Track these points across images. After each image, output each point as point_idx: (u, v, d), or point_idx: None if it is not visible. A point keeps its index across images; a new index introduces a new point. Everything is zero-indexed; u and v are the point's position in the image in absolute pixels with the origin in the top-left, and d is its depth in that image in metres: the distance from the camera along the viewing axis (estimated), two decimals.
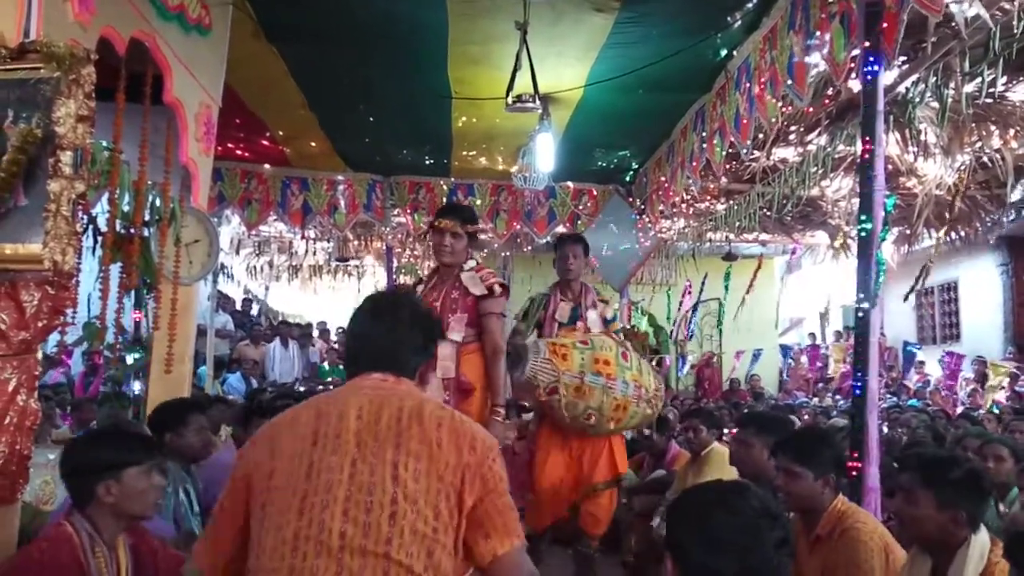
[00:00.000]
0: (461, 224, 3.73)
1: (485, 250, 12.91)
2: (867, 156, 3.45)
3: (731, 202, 8.90)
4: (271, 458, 1.66)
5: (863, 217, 3.44)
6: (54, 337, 2.68)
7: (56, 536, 2.19)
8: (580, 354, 4.06)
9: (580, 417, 4.06)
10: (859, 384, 3.40)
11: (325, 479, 1.58)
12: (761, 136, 6.47)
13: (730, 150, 5.79)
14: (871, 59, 3.48)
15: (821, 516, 2.69)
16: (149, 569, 2.43)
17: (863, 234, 3.44)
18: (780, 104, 4.88)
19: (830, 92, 5.69)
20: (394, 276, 9.76)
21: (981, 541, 2.23)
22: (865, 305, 3.40)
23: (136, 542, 2.43)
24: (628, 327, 4.92)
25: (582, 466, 4.27)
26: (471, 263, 3.81)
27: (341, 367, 11.33)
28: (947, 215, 8.45)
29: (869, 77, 3.50)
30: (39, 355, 2.57)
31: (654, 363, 5.13)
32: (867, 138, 3.47)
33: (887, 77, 4.69)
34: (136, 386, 4.06)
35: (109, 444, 2.34)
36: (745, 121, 5.28)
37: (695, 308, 12.50)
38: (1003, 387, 9.86)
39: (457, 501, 1.59)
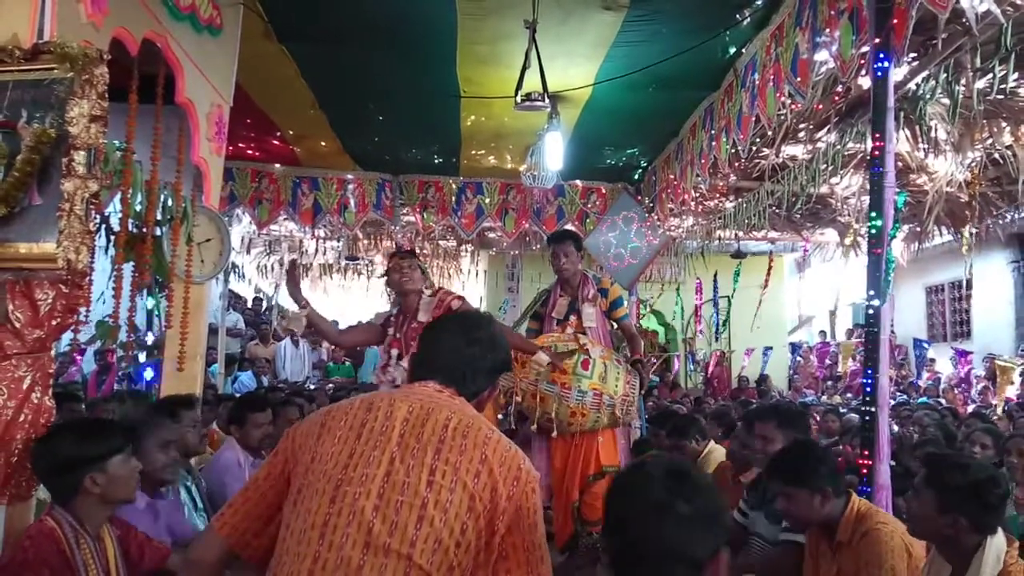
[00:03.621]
0: (411, 258, 4.12)
1: (494, 248, 12.94)
2: (877, 153, 3.44)
3: (740, 200, 8.88)
4: (316, 442, 1.66)
5: (873, 214, 3.43)
6: (67, 335, 2.70)
7: (38, 532, 2.18)
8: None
9: (540, 420, 4.25)
10: (870, 381, 3.38)
11: (362, 472, 1.58)
12: (770, 133, 6.46)
13: (736, 148, 5.78)
14: (881, 55, 3.47)
15: (838, 523, 2.67)
16: (135, 560, 2.44)
17: (873, 231, 3.43)
18: (789, 101, 4.87)
19: (839, 89, 5.67)
20: None
21: (997, 544, 2.21)
22: (875, 302, 3.39)
23: (122, 534, 2.43)
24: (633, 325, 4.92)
25: (575, 462, 4.39)
26: (428, 291, 4.06)
27: (347, 364, 11.41)
28: (967, 213, 8.40)
29: (879, 74, 3.49)
30: (53, 353, 2.60)
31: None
32: (877, 135, 3.46)
33: (897, 73, 4.68)
34: (148, 375, 4.08)
35: (91, 436, 2.31)
36: (748, 117, 5.28)
37: (715, 305, 12.45)
38: (1012, 382, 9.81)
39: (487, 527, 1.56)
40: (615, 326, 4.84)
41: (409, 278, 4.01)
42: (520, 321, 4.72)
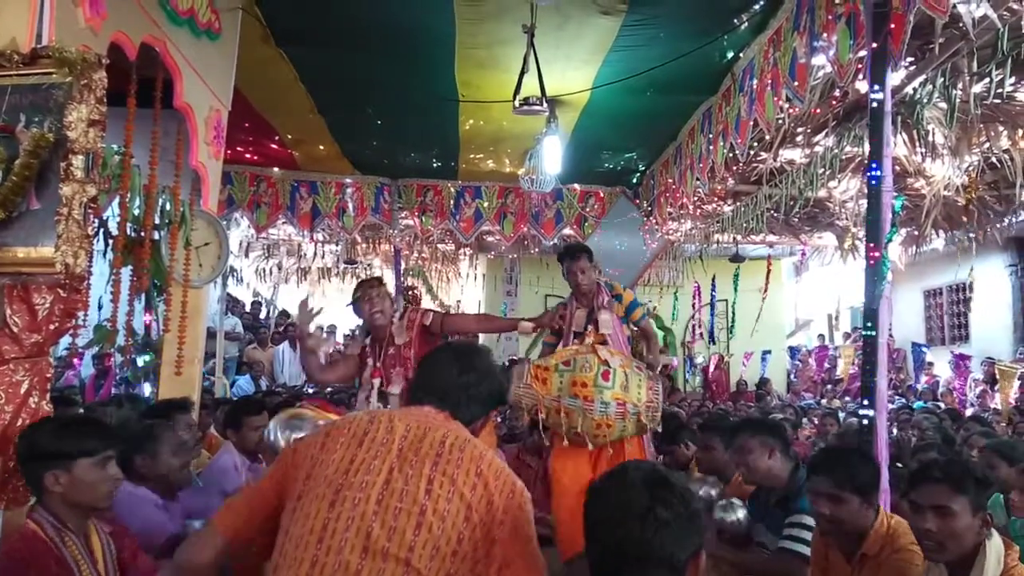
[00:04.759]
0: (380, 287, 4.12)
1: (492, 252, 12.94)
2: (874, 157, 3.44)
3: (738, 204, 8.89)
4: (320, 449, 1.70)
5: (873, 164, 3.40)
6: (66, 340, 2.70)
7: (23, 535, 2.16)
8: (559, 377, 4.16)
9: (568, 434, 4.18)
10: (868, 385, 3.39)
11: (362, 479, 1.62)
12: (768, 137, 6.46)
13: (734, 152, 5.80)
14: (878, 60, 3.48)
15: (865, 534, 2.59)
16: (127, 563, 2.41)
17: (873, 183, 3.39)
18: (787, 105, 4.88)
19: (837, 93, 5.67)
20: (402, 279, 9.78)
21: (996, 545, 2.20)
22: (873, 305, 3.39)
23: (115, 532, 2.40)
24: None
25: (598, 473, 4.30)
26: (397, 315, 4.08)
27: None
28: (963, 218, 8.41)
29: (876, 81, 3.50)
30: (51, 358, 2.60)
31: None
32: (874, 139, 3.47)
33: (894, 78, 4.69)
34: (147, 388, 4.08)
35: (62, 433, 2.26)
36: (746, 121, 5.28)
37: (712, 309, 12.46)
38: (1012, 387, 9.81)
39: (483, 537, 1.59)
40: (634, 330, 4.79)
41: (380, 310, 3.99)
42: (536, 339, 4.69)
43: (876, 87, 3.48)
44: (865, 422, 3.39)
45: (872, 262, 3.37)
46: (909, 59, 5.35)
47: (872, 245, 3.39)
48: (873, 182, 3.41)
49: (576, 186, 8.76)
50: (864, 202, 3.71)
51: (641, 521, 1.40)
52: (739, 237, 10.65)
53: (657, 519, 1.40)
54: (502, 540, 1.60)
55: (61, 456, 2.20)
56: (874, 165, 3.40)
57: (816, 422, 7.67)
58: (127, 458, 2.75)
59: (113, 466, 2.30)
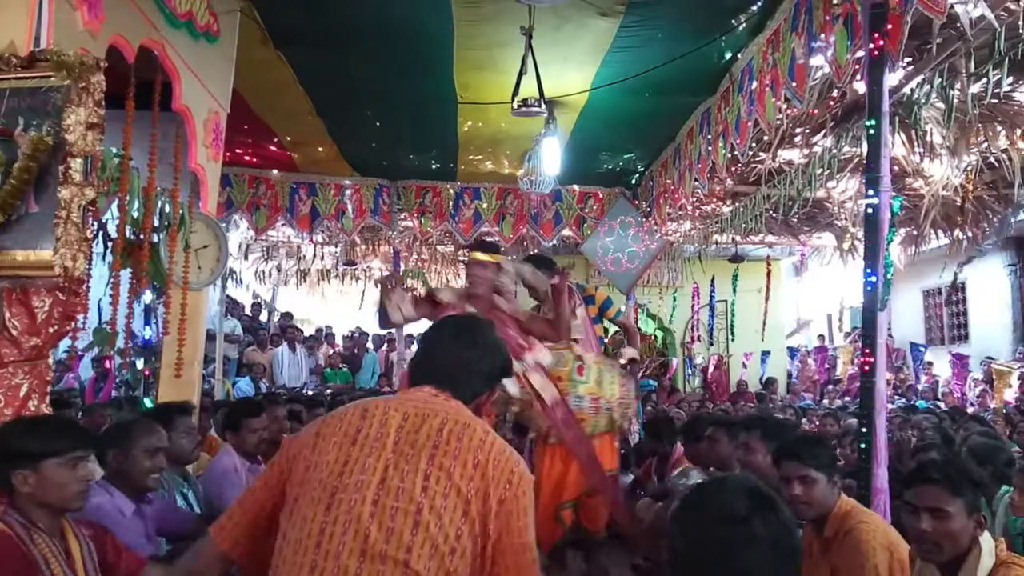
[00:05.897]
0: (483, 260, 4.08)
1: None
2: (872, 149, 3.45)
3: (737, 204, 8.90)
4: (312, 450, 1.66)
5: (869, 192, 3.41)
6: (65, 342, 2.71)
7: None
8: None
9: (540, 428, 4.26)
10: (867, 386, 3.39)
11: (357, 479, 1.58)
12: (767, 138, 6.47)
13: (734, 152, 5.80)
14: (876, 60, 3.49)
15: (827, 518, 2.69)
16: (112, 565, 2.37)
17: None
18: (785, 106, 4.89)
19: (835, 94, 5.68)
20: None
21: (988, 542, 2.20)
22: (872, 306, 3.40)
23: (94, 534, 2.37)
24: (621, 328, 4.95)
25: (567, 467, 4.31)
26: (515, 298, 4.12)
27: (344, 369, 11.40)
28: (958, 218, 8.42)
29: (874, 79, 3.50)
30: (50, 360, 2.60)
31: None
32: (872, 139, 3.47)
33: (892, 78, 4.70)
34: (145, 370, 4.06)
35: (30, 433, 2.23)
36: (746, 122, 5.29)
37: (711, 309, 12.45)
38: (1010, 385, 9.81)
39: (481, 532, 1.57)
40: (610, 330, 4.84)
41: (479, 278, 4.00)
42: None
43: (873, 86, 3.49)
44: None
45: (872, 275, 3.39)
46: (907, 59, 5.36)
47: (870, 268, 3.40)
48: (871, 193, 3.42)
49: (575, 187, 8.76)
50: (863, 203, 3.72)
51: (732, 527, 1.29)
52: (738, 237, 10.66)
53: (751, 531, 1.28)
54: (494, 535, 1.57)
55: (28, 456, 2.18)
56: (871, 192, 3.42)
57: (816, 423, 7.67)
58: (102, 452, 2.71)
59: (84, 467, 2.26)
